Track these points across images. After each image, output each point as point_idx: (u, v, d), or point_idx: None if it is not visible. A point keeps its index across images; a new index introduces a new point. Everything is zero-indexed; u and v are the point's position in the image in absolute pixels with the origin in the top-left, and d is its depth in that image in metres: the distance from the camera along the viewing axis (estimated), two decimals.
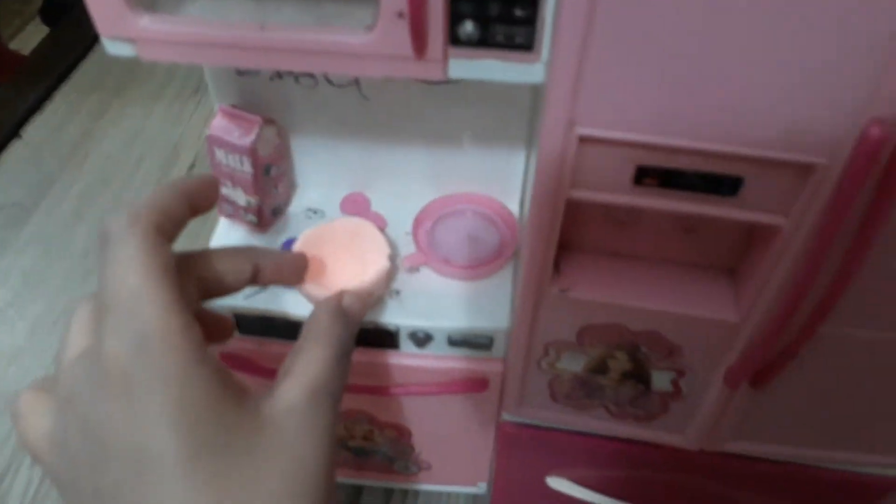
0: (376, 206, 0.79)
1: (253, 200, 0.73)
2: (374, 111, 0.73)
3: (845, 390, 0.64)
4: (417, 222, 0.76)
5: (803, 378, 0.63)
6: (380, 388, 0.75)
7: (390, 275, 0.69)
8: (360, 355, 0.73)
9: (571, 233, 0.62)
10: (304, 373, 0.38)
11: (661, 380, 0.67)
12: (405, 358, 0.73)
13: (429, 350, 0.72)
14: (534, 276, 0.59)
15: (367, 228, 0.66)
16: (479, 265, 0.72)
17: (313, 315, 0.46)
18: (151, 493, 0.30)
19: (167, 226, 0.37)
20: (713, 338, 0.60)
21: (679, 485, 0.82)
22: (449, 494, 0.98)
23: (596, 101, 0.46)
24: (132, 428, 0.31)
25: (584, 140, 0.48)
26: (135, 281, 0.33)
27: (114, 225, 0.35)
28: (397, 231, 0.77)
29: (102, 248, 0.35)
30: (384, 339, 0.71)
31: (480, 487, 0.95)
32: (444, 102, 0.71)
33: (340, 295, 0.51)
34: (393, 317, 0.70)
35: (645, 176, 0.50)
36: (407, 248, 0.75)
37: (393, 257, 0.67)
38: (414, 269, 0.73)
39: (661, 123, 0.47)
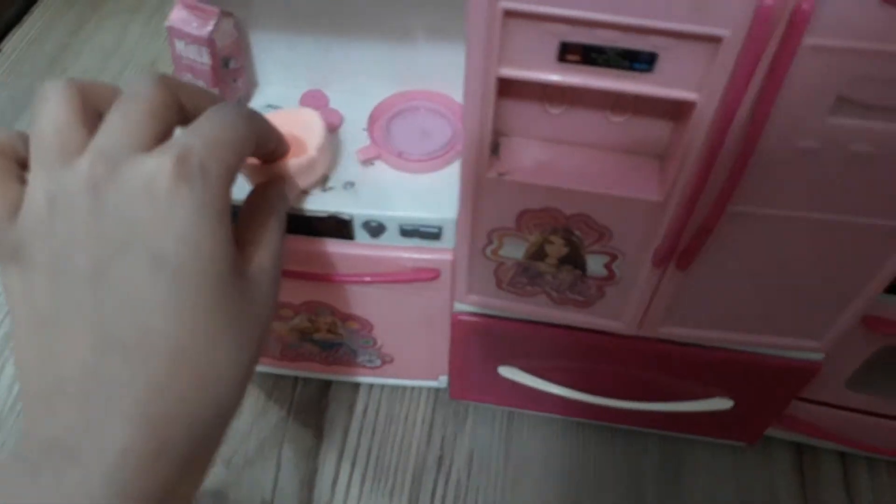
0: (335, 104, 0.82)
1: (214, 93, 0.76)
2: (331, 6, 0.75)
3: (764, 272, 0.69)
4: (373, 118, 0.79)
5: (724, 260, 0.68)
6: (337, 277, 0.80)
7: (323, 164, 0.74)
8: (318, 245, 0.77)
9: (509, 120, 0.66)
10: (268, 243, 0.51)
11: (595, 264, 0.72)
12: (361, 248, 0.77)
13: (383, 240, 0.76)
14: (472, 159, 0.63)
15: (313, 119, 0.70)
16: (430, 158, 0.76)
17: (266, 193, 0.58)
18: (164, 293, 0.40)
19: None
20: (639, 219, 0.64)
21: (619, 373, 0.87)
22: (412, 388, 1.04)
23: None
24: (163, 232, 0.42)
25: (508, 14, 0.51)
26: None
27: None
28: (355, 127, 0.80)
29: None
30: (340, 229, 0.75)
31: (441, 381, 1.01)
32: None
33: (283, 178, 0.60)
34: (348, 206, 0.74)
35: (567, 52, 0.54)
36: (364, 143, 0.78)
37: (324, 149, 0.72)
38: (369, 162, 0.77)
39: None
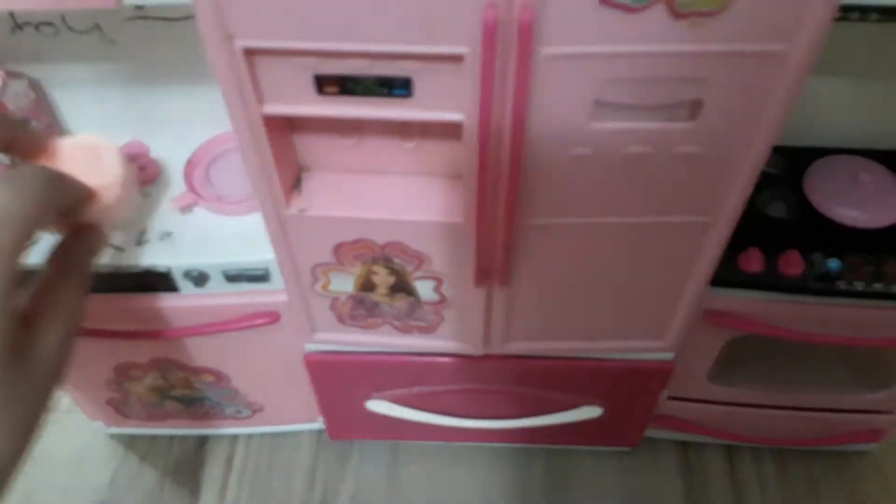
0: (156, 153, 0.79)
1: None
2: (126, 56, 0.72)
3: (587, 280, 0.68)
4: (191, 165, 0.76)
5: (543, 272, 0.67)
6: (171, 332, 0.77)
7: (126, 197, 0.62)
8: (143, 301, 0.74)
9: (308, 154, 0.64)
10: (62, 312, 0.44)
11: (425, 289, 0.70)
12: (187, 299, 0.74)
13: (209, 289, 0.74)
14: (265, 199, 0.61)
15: (107, 151, 0.61)
16: (250, 199, 0.73)
17: (68, 252, 0.47)
18: None
19: None
20: (448, 241, 0.63)
21: (486, 393, 0.86)
22: (293, 433, 1.01)
23: (246, 11, 0.47)
24: None
25: (250, 53, 0.49)
26: None
27: None
28: (177, 175, 0.77)
29: None
30: (160, 282, 0.72)
31: (320, 422, 0.98)
32: (191, 40, 0.71)
33: (91, 228, 0.51)
34: (164, 258, 0.71)
35: (325, 84, 0.52)
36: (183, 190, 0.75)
37: (123, 182, 0.62)
38: (187, 209, 0.74)
39: (321, 29, 0.48)
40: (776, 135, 0.54)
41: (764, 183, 0.75)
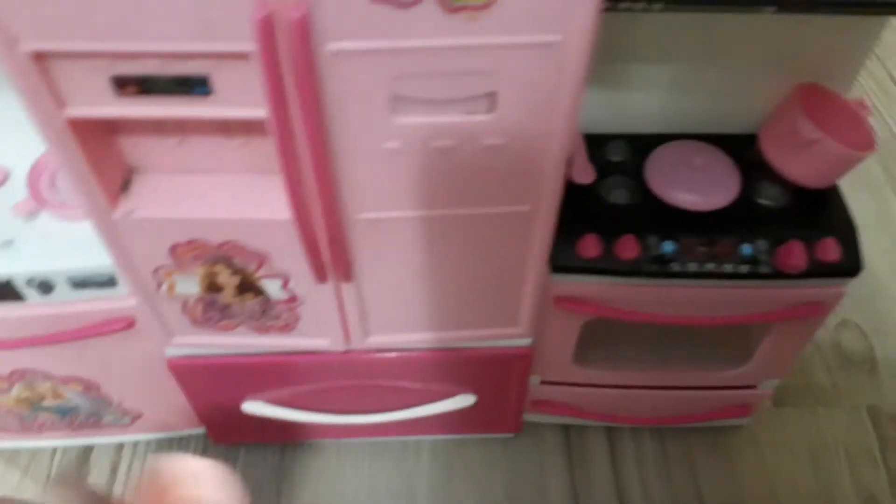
0: (2, 160, 0.77)
1: None
2: None
3: (430, 271, 0.69)
4: (36, 171, 0.75)
5: (385, 266, 0.68)
6: (21, 342, 0.75)
7: None
8: None
9: (137, 156, 0.64)
10: None
11: (272, 288, 0.71)
12: (34, 308, 0.73)
13: (57, 296, 0.72)
14: (86, 202, 0.60)
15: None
16: None
17: None
18: None
19: None
20: (284, 239, 0.64)
21: (360, 388, 0.86)
22: (179, 439, 1.00)
23: (28, 12, 0.47)
24: None
25: (39, 56, 0.49)
26: None
27: None
28: (22, 180, 0.76)
29: None
30: (2, 292, 0.71)
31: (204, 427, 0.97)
32: None
33: None
34: (4, 267, 0.69)
35: (123, 85, 0.52)
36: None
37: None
38: (30, 216, 0.73)
39: (106, 30, 0.48)
40: (574, 124, 0.56)
41: (608, 170, 0.78)
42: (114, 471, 0.97)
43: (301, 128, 0.52)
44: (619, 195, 0.75)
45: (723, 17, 0.68)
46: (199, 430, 0.98)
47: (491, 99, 0.53)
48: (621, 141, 0.78)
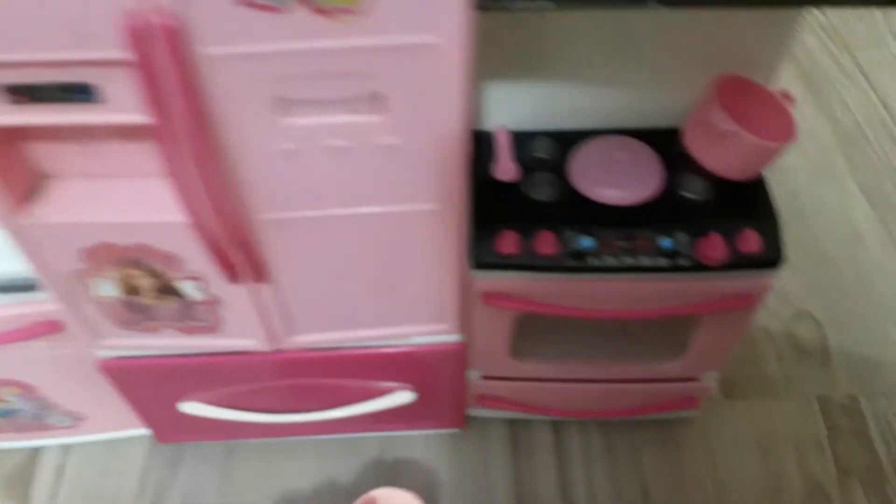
0: None
1: None
2: None
3: (349, 269, 0.69)
4: None
5: (299, 265, 0.68)
6: None
7: None
8: None
9: (46, 162, 0.64)
10: None
11: (190, 290, 0.71)
12: None
13: None
14: None
15: None
16: None
17: None
18: None
19: None
20: (189, 241, 0.64)
21: (299, 387, 0.87)
22: (125, 439, 1.00)
23: None
24: None
25: None
26: None
27: None
28: None
29: None
30: None
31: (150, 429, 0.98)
32: None
33: None
34: None
35: (14, 93, 0.52)
36: None
37: None
38: None
39: None
40: (466, 123, 0.55)
41: (533, 167, 0.77)
42: (60, 473, 0.98)
43: (185, 132, 0.52)
44: (542, 192, 0.74)
45: (636, 12, 0.67)
46: (145, 430, 0.99)
47: (378, 99, 0.53)
48: (547, 138, 0.78)
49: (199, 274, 0.68)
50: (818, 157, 1.35)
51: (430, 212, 0.63)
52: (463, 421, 0.98)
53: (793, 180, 1.30)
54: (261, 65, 0.49)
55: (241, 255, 0.64)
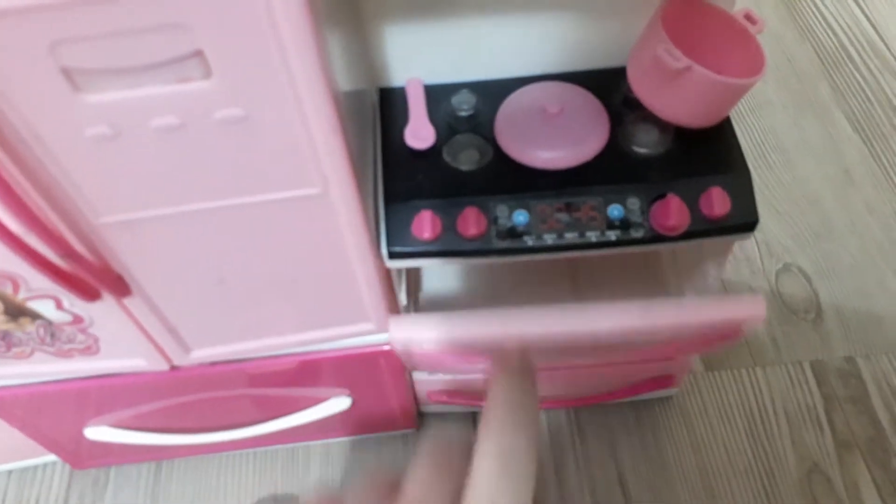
0: None
1: None
2: None
3: (224, 273, 0.57)
4: None
5: (163, 274, 0.56)
6: None
7: None
8: None
9: None
10: None
11: (48, 310, 0.59)
12: None
13: None
14: None
15: None
16: None
17: None
18: None
19: None
20: (7, 259, 0.51)
21: (212, 401, 0.76)
22: (42, 466, 0.90)
23: None
24: None
25: None
26: None
27: None
28: None
29: None
30: None
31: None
32: None
33: None
34: None
35: None
36: None
37: None
38: None
39: None
40: (331, 85, 0.43)
41: (454, 129, 0.65)
42: None
43: None
44: (465, 158, 0.62)
45: None
46: (52, 456, 0.88)
47: (201, 60, 0.40)
48: (468, 91, 0.65)
49: (50, 293, 0.56)
50: (799, 87, 1.21)
51: (312, 197, 0.50)
52: (414, 420, 0.87)
53: (770, 116, 1.17)
54: (32, 25, 0.36)
55: (81, 269, 0.52)
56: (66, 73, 0.39)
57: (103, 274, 0.53)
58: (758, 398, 0.90)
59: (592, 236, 0.58)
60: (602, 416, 0.90)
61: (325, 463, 0.89)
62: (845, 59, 1.24)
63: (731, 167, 0.60)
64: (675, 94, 0.57)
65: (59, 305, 0.59)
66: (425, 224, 0.59)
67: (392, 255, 0.60)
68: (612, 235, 0.58)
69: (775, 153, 1.13)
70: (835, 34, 1.27)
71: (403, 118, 0.65)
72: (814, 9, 1.31)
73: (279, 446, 0.90)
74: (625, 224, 0.58)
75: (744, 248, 1.04)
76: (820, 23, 1.29)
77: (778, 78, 1.23)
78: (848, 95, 1.19)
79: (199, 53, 0.39)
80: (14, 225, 0.46)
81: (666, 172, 0.60)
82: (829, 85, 1.21)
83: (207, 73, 0.41)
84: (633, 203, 0.58)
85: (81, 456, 0.86)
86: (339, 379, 0.75)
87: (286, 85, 0.42)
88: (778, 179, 1.10)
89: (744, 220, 0.58)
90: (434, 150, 0.63)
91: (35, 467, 0.90)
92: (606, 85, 0.64)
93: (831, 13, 1.30)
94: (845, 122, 1.16)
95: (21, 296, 0.57)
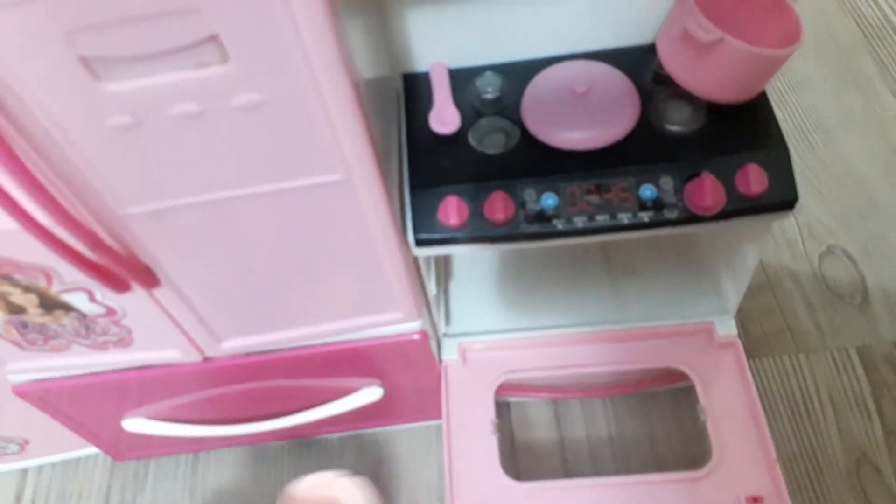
0: None
1: None
2: None
3: (254, 262, 0.57)
4: None
5: (198, 262, 0.56)
6: None
7: None
8: None
9: None
10: None
11: (81, 302, 0.59)
12: None
13: None
14: None
15: None
16: None
17: None
18: None
19: None
20: (40, 253, 0.52)
21: (246, 393, 0.76)
22: (84, 458, 0.92)
23: None
24: None
25: None
26: None
27: None
28: None
29: None
30: None
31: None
32: None
33: None
34: None
35: None
36: None
37: None
38: None
39: None
40: (350, 68, 0.42)
41: (480, 112, 0.63)
42: (18, 498, 0.90)
43: None
44: (491, 142, 0.61)
45: None
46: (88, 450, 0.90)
47: (217, 45, 0.40)
48: (494, 73, 0.63)
49: (83, 285, 0.57)
50: (841, 61, 1.16)
51: (334, 183, 0.50)
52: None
53: (811, 94, 1.13)
54: (46, 13, 0.36)
55: (110, 260, 0.52)
56: (85, 62, 0.39)
57: (131, 264, 0.54)
58: (801, 386, 0.87)
59: (624, 218, 0.56)
60: (638, 406, 0.88)
61: (357, 454, 0.89)
62: (889, 31, 1.19)
63: (767, 142, 0.57)
64: (707, 69, 0.55)
65: (91, 298, 0.60)
66: (452, 210, 0.58)
67: (419, 242, 0.59)
68: (645, 217, 0.56)
69: (816, 132, 1.09)
70: (878, 6, 1.22)
71: (428, 103, 0.64)
72: None
73: (313, 438, 0.90)
74: (658, 204, 0.56)
75: (784, 230, 1.00)
76: None
77: (818, 53, 1.18)
78: (893, 69, 1.14)
79: (214, 38, 0.39)
80: (43, 217, 0.47)
81: (699, 150, 0.58)
82: (873, 59, 1.16)
83: (224, 58, 0.40)
84: (667, 183, 0.57)
85: (121, 448, 0.87)
86: (369, 369, 0.75)
87: (303, 69, 0.41)
88: (820, 160, 1.06)
89: (782, 198, 0.56)
90: (459, 135, 0.62)
91: (77, 459, 0.92)
92: (636, 62, 0.62)
93: None
94: (890, 96, 1.12)
95: (55, 288, 0.58)
